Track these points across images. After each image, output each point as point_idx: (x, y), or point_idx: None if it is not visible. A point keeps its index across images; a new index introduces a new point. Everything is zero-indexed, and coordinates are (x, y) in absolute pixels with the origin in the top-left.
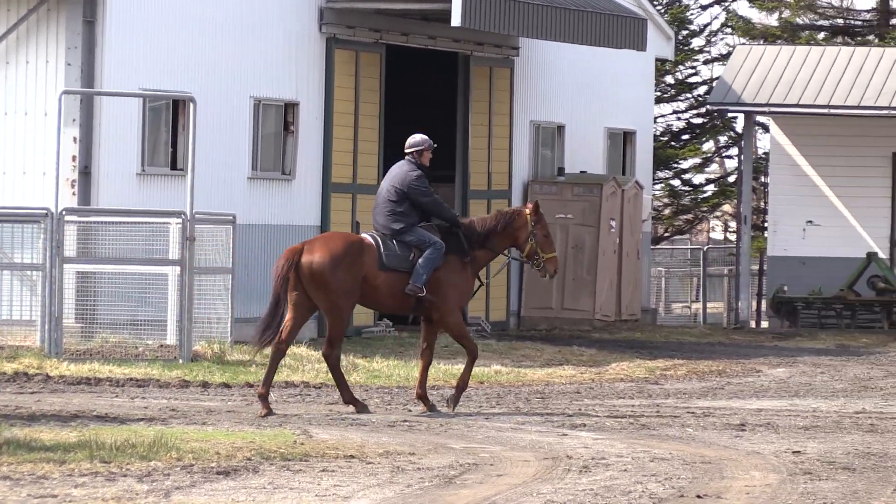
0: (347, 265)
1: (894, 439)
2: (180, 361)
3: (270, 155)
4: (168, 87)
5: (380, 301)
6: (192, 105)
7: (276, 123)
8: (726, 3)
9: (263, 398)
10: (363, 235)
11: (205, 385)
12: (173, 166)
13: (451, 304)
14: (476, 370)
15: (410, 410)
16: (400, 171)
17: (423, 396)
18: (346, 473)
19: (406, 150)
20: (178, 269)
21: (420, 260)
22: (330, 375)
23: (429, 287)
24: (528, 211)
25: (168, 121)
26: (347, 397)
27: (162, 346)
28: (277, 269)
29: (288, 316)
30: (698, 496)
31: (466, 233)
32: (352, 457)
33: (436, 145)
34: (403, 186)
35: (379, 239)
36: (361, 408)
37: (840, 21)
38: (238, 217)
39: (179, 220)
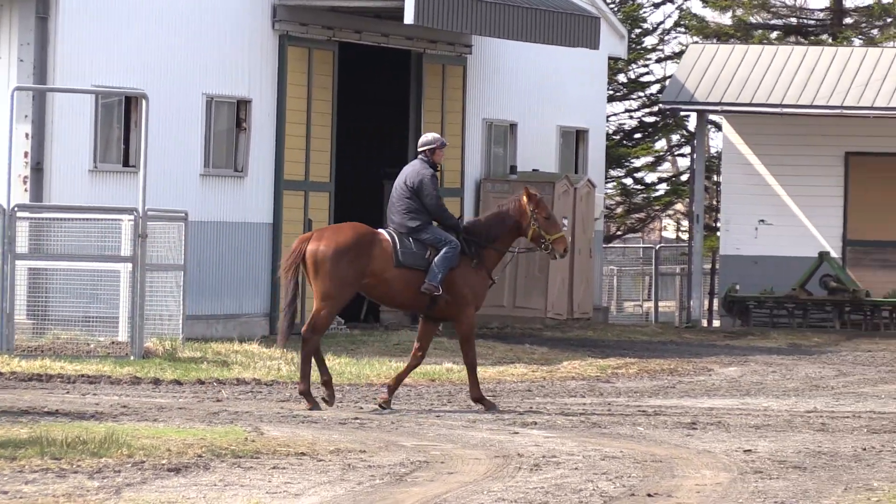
0: (352, 258)
1: (845, 438)
2: (132, 358)
3: (223, 152)
4: (121, 84)
5: (394, 297)
6: (144, 102)
7: (228, 120)
8: (679, 2)
9: (306, 394)
10: (380, 231)
11: (156, 382)
12: (126, 163)
13: (465, 304)
14: (427, 368)
15: (362, 408)
16: (413, 169)
17: (392, 390)
18: (297, 471)
19: (419, 149)
20: (129, 265)
21: (436, 258)
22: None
23: (444, 286)
24: (523, 199)
25: (121, 117)
26: (303, 388)
27: (114, 342)
28: (287, 259)
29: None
30: (649, 495)
31: (472, 236)
32: (303, 454)
33: (447, 143)
34: (416, 184)
35: (395, 236)
36: (329, 395)
37: (793, 20)
38: (190, 214)
39: (132, 217)
